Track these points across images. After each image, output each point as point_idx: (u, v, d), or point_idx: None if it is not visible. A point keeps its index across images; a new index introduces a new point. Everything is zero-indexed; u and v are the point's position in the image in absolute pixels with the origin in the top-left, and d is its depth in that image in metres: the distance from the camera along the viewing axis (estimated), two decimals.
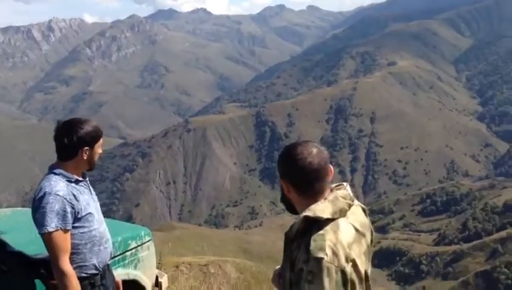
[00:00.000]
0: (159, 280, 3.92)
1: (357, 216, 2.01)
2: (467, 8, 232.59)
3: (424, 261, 69.90)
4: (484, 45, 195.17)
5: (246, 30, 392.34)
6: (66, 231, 2.55)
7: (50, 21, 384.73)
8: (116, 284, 3.01)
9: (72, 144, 2.66)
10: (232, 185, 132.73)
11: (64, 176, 2.65)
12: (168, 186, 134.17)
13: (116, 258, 3.28)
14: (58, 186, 2.58)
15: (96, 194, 2.91)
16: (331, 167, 1.99)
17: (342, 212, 1.92)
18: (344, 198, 1.94)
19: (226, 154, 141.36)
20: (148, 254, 3.77)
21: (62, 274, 2.51)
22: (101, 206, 2.99)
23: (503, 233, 64.96)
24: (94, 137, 2.70)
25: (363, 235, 1.98)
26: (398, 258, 74.29)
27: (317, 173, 1.91)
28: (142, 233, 3.84)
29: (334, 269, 1.77)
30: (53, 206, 2.51)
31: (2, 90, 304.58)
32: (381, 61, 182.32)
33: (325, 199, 1.93)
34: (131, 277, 3.49)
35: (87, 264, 2.67)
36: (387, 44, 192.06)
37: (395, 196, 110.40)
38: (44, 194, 2.54)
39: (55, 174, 2.65)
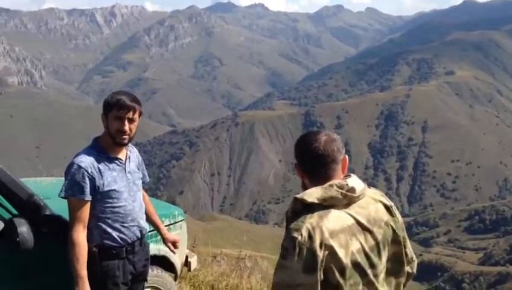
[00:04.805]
0: (189, 259, 4.00)
1: (367, 210, 1.96)
2: None
3: (466, 280, 67.60)
4: None
5: (302, 28, 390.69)
6: (82, 201, 2.63)
7: (113, 6, 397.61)
8: (173, 242, 3.18)
9: None
10: (275, 182, 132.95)
11: (98, 150, 2.74)
12: (212, 178, 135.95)
13: (149, 234, 3.33)
14: (85, 158, 2.67)
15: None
16: (346, 157, 2.01)
17: (334, 200, 1.90)
18: (340, 187, 1.91)
19: (272, 151, 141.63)
20: (180, 233, 3.84)
21: (71, 241, 2.61)
22: (146, 190, 3.08)
23: None
24: (107, 104, 2.71)
25: (368, 230, 1.93)
26: (439, 273, 72.19)
27: (322, 158, 1.94)
28: (176, 212, 3.93)
29: (306, 250, 1.80)
30: (73, 175, 2.63)
31: (63, 70, 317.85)
32: (439, 69, 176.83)
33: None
34: (162, 253, 3.58)
35: (108, 236, 2.74)
36: (446, 52, 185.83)
37: (441, 209, 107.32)
38: (72, 163, 2.67)
39: (92, 146, 2.77)
